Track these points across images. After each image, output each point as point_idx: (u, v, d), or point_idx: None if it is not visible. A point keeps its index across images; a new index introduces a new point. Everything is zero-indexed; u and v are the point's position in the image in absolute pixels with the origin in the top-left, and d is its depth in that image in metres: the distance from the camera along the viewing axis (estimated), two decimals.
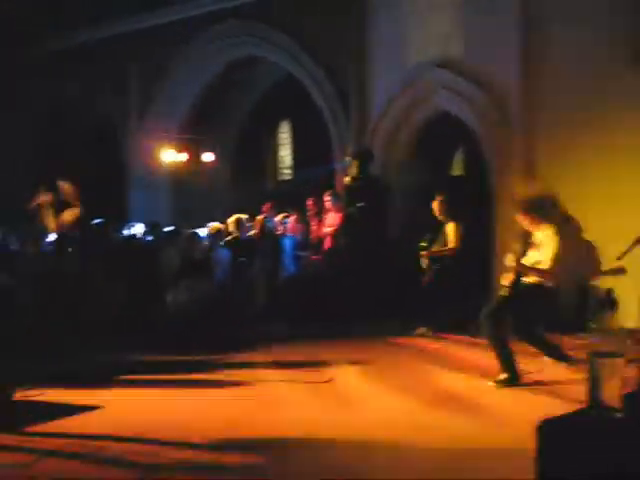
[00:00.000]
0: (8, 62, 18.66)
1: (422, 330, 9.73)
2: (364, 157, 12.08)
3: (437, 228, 10.12)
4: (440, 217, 10.02)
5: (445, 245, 9.96)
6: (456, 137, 13.99)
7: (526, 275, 6.97)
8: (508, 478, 4.41)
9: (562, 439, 3.03)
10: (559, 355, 7.38)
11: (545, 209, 7.00)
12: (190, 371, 7.92)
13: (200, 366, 8.09)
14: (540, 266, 6.86)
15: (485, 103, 11.85)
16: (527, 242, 7.17)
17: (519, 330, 7.07)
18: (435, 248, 10.01)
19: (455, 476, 4.61)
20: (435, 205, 10.04)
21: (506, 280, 7.07)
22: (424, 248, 10.04)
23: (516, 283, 6.98)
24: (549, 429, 3.03)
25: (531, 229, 7.10)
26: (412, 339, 9.59)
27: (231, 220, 11.12)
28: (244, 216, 11.24)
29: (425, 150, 13.46)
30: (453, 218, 9.96)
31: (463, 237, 9.91)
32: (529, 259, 7.01)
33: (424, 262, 10.02)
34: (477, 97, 11.93)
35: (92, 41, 17.20)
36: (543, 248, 6.92)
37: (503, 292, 7.08)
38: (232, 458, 5.08)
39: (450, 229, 9.93)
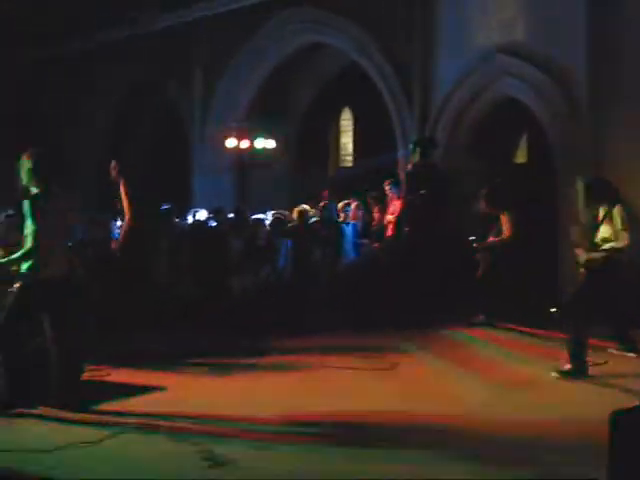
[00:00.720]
0: (85, 46, 19.08)
1: (482, 319, 9.63)
2: (426, 144, 11.98)
3: (493, 218, 9.99)
4: (489, 210, 9.88)
5: (500, 235, 9.83)
6: (520, 124, 13.78)
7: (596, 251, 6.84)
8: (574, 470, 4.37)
9: (636, 430, 2.98)
10: (631, 346, 7.25)
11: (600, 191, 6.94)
12: (253, 355, 7.99)
13: (263, 351, 8.16)
14: (610, 243, 6.75)
15: (551, 89, 11.62)
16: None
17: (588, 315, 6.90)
18: (491, 239, 9.89)
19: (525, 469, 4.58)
20: (481, 202, 9.91)
21: (582, 254, 6.93)
22: (476, 240, 9.93)
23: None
24: (622, 420, 2.98)
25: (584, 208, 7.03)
26: (473, 329, 9.50)
27: (296, 210, 11.14)
28: (308, 207, 11.24)
29: (488, 137, 13.29)
30: (504, 209, 9.80)
31: (516, 226, 9.75)
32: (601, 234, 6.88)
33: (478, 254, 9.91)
34: (543, 83, 11.71)
35: (159, 28, 17.40)
36: (608, 226, 6.82)
37: (582, 266, 6.91)
38: (293, 438, 5.13)
39: (504, 220, 9.78)
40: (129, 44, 18.20)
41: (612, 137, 10.86)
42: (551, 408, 5.90)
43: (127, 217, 7.14)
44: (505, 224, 9.77)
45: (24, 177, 5.99)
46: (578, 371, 6.78)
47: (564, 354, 6.92)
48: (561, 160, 11.61)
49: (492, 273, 9.74)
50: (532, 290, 10.71)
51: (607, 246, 6.91)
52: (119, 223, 11.88)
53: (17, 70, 20.48)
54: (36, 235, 5.77)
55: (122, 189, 6.86)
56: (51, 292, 5.89)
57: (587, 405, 5.85)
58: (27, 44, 20.35)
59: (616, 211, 6.93)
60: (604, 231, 6.98)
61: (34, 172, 5.93)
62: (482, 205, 9.92)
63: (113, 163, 6.95)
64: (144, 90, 18.98)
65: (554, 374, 6.83)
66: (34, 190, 5.96)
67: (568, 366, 6.83)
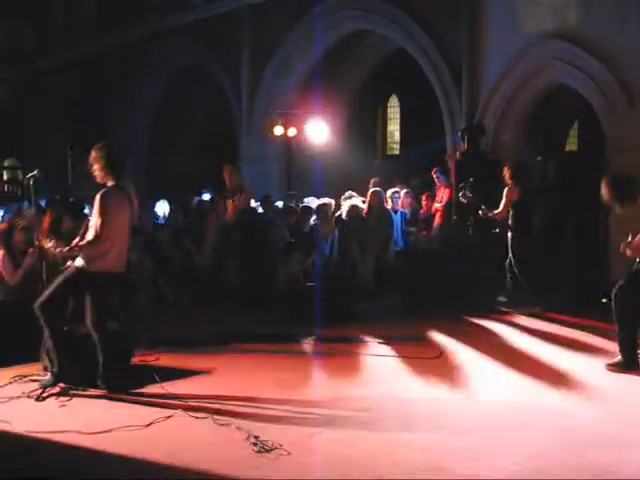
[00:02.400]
0: (116, 48, 19.35)
1: (535, 309, 9.49)
2: (475, 132, 11.86)
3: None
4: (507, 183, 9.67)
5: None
6: (572, 111, 13.55)
7: None
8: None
9: None
10: None
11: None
12: (300, 342, 8.00)
13: (309, 338, 8.16)
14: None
15: (604, 76, 11.36)
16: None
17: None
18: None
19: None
20: (506, 171, 9.70)
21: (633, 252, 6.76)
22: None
23: None
24: None
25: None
26: (520, 317, 9.38)
27: (345, 203, 11.09)
28: (359, 202, 11.15)
29: (538, 124, 13.09)
30: (513, 183, 9.56)
31: (517, 205, 9.51)
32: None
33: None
34: (596, 69, 11.46)
35: (208, 15, 17.50)
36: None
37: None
38: (339, 423, 5.13)
39: (505, 194, 9.55)
40: (176, 33, 18.35)
41: None
42: (597, 403, 5.81)
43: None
44: (504, 198, 9.53)
45: (99, 171, 6.11)
46: (628, 364, 6.63)
47: (615, 345, 6.80)
48: (613, 149, 11.38)
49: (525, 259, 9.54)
50: (581, 280, 10.56)
51: None
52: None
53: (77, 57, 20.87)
54: (102, 228, 5.87)
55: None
56: (105, 285, 6.03)
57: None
58: (87, 31, 20.74)
59: None
60: None
61: (110, 166, 6.07)
62: (505, 176, 9.69)
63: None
64: (192, 78, 19.14)
65: (605, 366, 6.71)
66: (110, 183, 6.07)
67: (619, 358, 6.69)
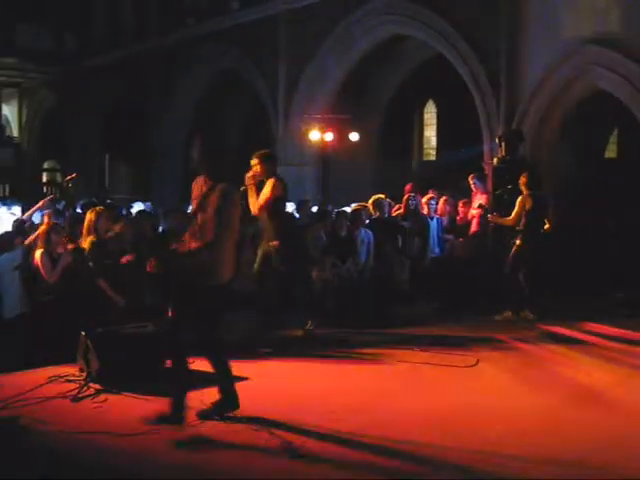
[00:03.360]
0: (154, 51, 19.55)
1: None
2: (513, 138, 11.72)
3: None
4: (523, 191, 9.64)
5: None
6: (612, 118, 13.38)
7: None
8: None
9: None
10: None
11: None
12: (333, 348, 7.96)
13: (343, 343, 8.12)
14: None
15: None
16: None
17: None
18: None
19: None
20: (522, 179, 9.68)
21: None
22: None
23: None
24: None
25: None
26: (558, 327, 9.26)
27: (370, 201, 11.08)
28: (382, 196, 11.17)
29: (578, 130, 12.94)
30: (525, 192, 9.54)
31: (530, 213, 9.46)
32: None
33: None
34: (636, 74, 11.32)
35: (246, 20, 17.59)
36: None
37: None
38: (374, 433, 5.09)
39: (517, 203, 9.54)
40: (215, 38, 18.47)
41: None
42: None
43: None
44: (517, 207, 9.53)
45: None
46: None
47: None
48: None
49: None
50: (612, 290, 10.44)
51: None
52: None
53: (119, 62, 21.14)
54: (220, 229, 5.20)
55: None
56: (221, 299, 5.45)
57: None
58: (128, 35, 21.00)
59: None
60: None
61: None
62: (520, 184, 9.70)
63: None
64: (229, 82, 19.25)
65: None
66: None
67: None
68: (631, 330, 8.74)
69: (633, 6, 11.34)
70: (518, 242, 9.59)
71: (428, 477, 4.43)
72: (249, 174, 7.75)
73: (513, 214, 9.60)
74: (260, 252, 8.23)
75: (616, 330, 8.85)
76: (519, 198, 9.62)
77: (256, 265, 8.26)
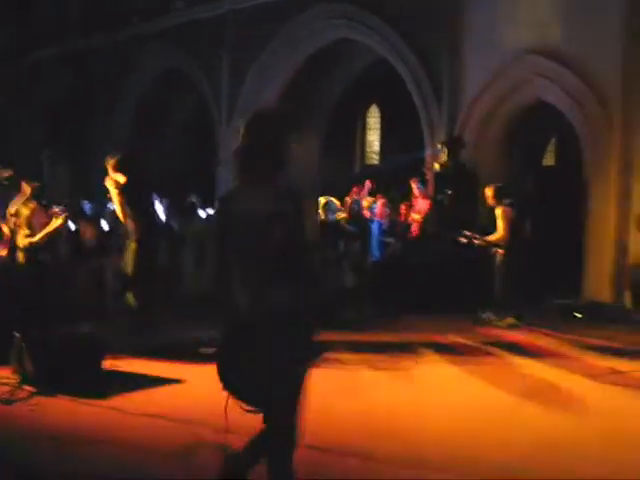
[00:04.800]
0: (102, 47, 19.28)
1: (513, 321, 9.54)
2: (455, 144, 11.90)
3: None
4: (491, 204, 9.81)
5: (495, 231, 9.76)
6: (550, 126, 13.64)
7: None
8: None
9: None
10: None
11: None
12: None
13: None
14: None
15: (583, 92, 11.46)
16: None
17: None
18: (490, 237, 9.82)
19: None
20: (488, 192, 9.84)
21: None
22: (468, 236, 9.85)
23: None
24: None
25: None
26: (496, 329, 9.41)
27: (321, 203, 11.09)
28: (332, 199, 11.20)
29: (517, 138, 13.16)
30: (502, 204, 9.71)
31: (515, 225, 9.67)
32: None
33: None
34: (575, 86, 11.56)
35: (190, 20, 17.45)
36: None
37: None
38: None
39: (498, 215, 9.68)
40: (158, 37, 18.29)
41: None
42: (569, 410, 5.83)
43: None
44: (500, 220, 9.66)
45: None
46: None
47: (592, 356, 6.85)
48: (591, 164, 11.47)
49: (502, 271, 9.64)
50: (554, 292, 10.65)
51: None
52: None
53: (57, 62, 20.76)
54: None
55: None
56: None
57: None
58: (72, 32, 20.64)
59: None
60: None
61: None
62: (488, 197, 9.85)
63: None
64: (173, 82, 19.07)
65: None
66: None
67: None
68: (569, 334, 8.95)
69: (572, 18, 11.57)
70: (501, 254, 9.66)
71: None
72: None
73: (501, 229, 9.67)
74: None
75: (554, 333, 9.05)
76: (499, 211, 9.69)
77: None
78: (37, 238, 7.94)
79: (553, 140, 14.77)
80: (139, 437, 5.03)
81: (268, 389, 3.43)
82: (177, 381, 6.51)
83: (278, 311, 3.39)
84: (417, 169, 13.29)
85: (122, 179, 8.11)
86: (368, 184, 12.48)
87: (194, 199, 12.50)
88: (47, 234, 7.99)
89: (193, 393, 6.14)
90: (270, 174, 3.59)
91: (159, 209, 12.18)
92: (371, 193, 12.52)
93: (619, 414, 5.80)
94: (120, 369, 6.77)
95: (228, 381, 3.52)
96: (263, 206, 3.43)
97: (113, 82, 19.70)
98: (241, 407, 3.47)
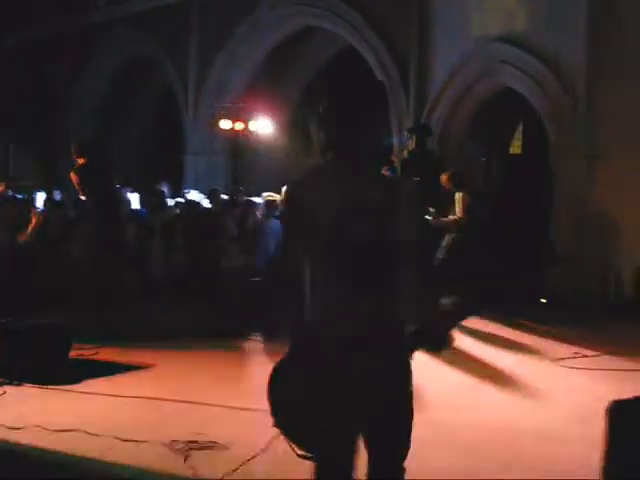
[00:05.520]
0: (69, 31, 18.99)
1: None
2: (422, 131, 11.92)
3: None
4: (449, 188, 9.86)
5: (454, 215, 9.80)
6: (517, 114, 13.74)
7: None
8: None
9: (634, 421, 2.95)
10: None
11: None
12: (238, 338, 7.91)
13: (247, 333, 8.09)
14: None
15: (549, 80, 11.55)
16: None
17: None
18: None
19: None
20: (444, 177, 9.89)
21: None
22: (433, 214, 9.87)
23: None
24: (621, 410, 2.95)
25: None
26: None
27: (284, 191, 11.06)
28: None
29: (484, 126, 13.24)
30: (462, 189, 9.76)
31: (471, 209, 9.72)
32: None
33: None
34: (541, 73, 11.64)
35: (156, 6, 17.27)
36: None
37: None
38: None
39: (458, 199, 9.73)
40: (125, 22, 18.08)
41: (607, 129, 10.83)
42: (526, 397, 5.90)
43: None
44: (459, 204, 9.71)
45: None
46: None
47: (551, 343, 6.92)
48: (556, 152, 11.58)
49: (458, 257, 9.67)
50: (521, 280, 10.71)
51: None
52: None
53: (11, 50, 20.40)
54: None
55: None
56: None
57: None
58: (19, 22, 20.28)
59: None
60: None
61: None
62: (444, 183, 9.89)
63: None
64: (139, 70, 18.88)
65: None
66: None
67: None
68: (529, 319, 9.04)
69: (538, 5, 11.65)
70: (456, 238, 9.69)
71: None
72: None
73: (459, 212, 9.68)
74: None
75: (517, 320, 9.13)
76: (457, 196, 9.71)
77: None
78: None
79: (520, 127, 14.88)
80: (107, 423, 5.00)
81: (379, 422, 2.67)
82: (146, 367, 6.49)
83: (384, 325, 2.64)
84: (385, 157, 13.30)
85: (81, 161, 8.34)
86: None
87: (163, 187, 12.41)
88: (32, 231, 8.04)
89: (161, 379, 6.13)
90: (366, 154, 2.73)
91: (130, 198, 12.13)
92: None
93: (581, 394, 5.89)
94: (88, 357, 6.72)
95: (289, 417, 2.69)
96: (351, 194, 2.65)
97: (79, 69, 19.45)
98: (292, 449, 2.69)
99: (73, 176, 8.43)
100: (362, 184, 2.66)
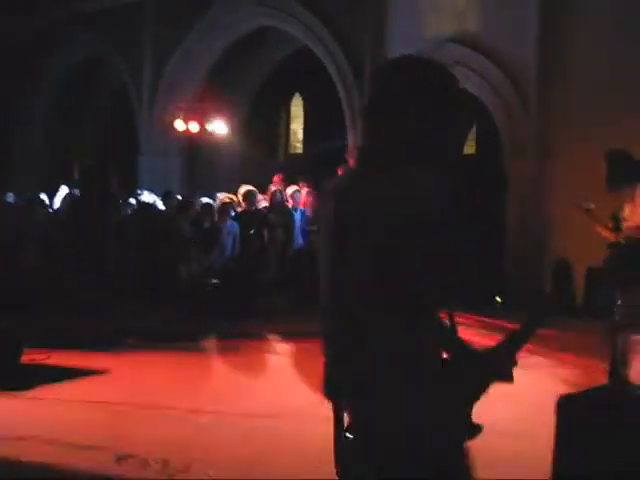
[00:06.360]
0: (20, 30, 18.66)
1: None
2: None
3: None
4: None
5: None
6: (469, 115, 13.84)
7: None
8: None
9: (582, 415, 3.00)
10: None
11: None
12: (194, 340, 7.90)
13: (204, 336, 8.07)
14: None
15: (501, 80, 11.69)
16: None
17: None
18: None
19: None
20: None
21: None
22: None
23: None
24: (569, 405, 2.99)
25: None
26: None
27: (241, 192, 11.04)
28: (252, 188, 11.15)
29: None
30: None
31: None
32: None
33: None
34: (492, 74, 11.77)
35: (109, 6, 17.07)
36: None
37: None
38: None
39: None
40: (77, 22, 17.85)
41: (557, 129, 11.00)
42: None
43: None
44: None
45: None
46: None
47: None
48: (509, 151, 11.72)
49: None
50: (478, 279, 10.80)
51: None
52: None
53: None
54: None
55: None
56: None
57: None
58: None
59: None
60: None
61: None
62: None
63: None
64: (92, 70, 18.67)
65: None
66: None
67: None
68: (487, 318, 9.11)
69: (489, 6, 11.78)
70: None
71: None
72: None
73: None
74: None
75: (474, 318, 9.20)
76: None
77: None
78: None
79: (474, 129, 15.01)
80: (54, 432, 4.92)
81: None
82: (100, 372, 6.42)
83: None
84: (340, 157, 13.33)
85: None
86: (277, 179, 12.44)
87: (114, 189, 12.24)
88: None
89: (115, 382, 6.07)
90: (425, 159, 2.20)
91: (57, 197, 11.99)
92: (294, 182, 12.50)
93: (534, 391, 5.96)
94: (40, 362, 6.63)
95: None
96: (395, 206, 2.09)
97: (31, 67, 19.14)
98: None
99: None
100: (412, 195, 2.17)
